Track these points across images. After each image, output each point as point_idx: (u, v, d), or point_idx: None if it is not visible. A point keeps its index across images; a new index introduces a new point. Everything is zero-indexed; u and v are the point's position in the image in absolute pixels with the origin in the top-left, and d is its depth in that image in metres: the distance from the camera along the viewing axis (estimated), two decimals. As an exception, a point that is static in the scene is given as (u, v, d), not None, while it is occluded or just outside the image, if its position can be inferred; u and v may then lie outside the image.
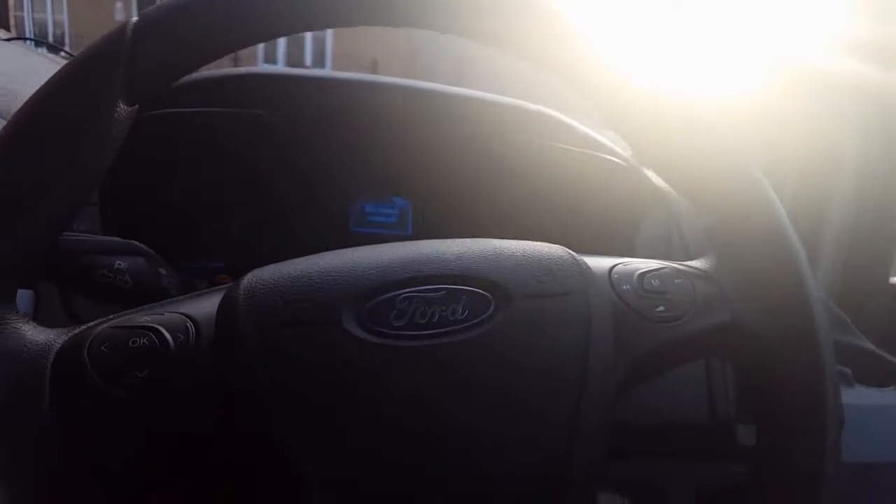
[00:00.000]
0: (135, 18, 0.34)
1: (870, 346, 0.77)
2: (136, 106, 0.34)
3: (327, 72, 0.69)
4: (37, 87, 0.40)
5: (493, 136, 0.68)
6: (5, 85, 0.61)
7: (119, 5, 11.65)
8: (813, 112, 0.81)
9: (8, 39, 0.81)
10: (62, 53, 0.88)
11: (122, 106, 0.33)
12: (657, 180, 0.71)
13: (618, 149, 0.70)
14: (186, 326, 0.34)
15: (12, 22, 4.44)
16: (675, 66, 0.41)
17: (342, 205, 0.73)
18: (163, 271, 0.45)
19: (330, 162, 0.70)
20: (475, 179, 0.70)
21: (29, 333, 0.33)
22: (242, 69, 0.66)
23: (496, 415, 0.33)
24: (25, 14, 11.41)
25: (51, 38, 11.71)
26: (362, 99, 0.67)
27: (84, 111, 0.32)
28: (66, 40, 11.63)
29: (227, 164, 0.67)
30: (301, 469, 0.31)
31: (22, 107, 0.33)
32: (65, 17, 11.85)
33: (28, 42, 0.82)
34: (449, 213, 0.72)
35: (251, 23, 0.35)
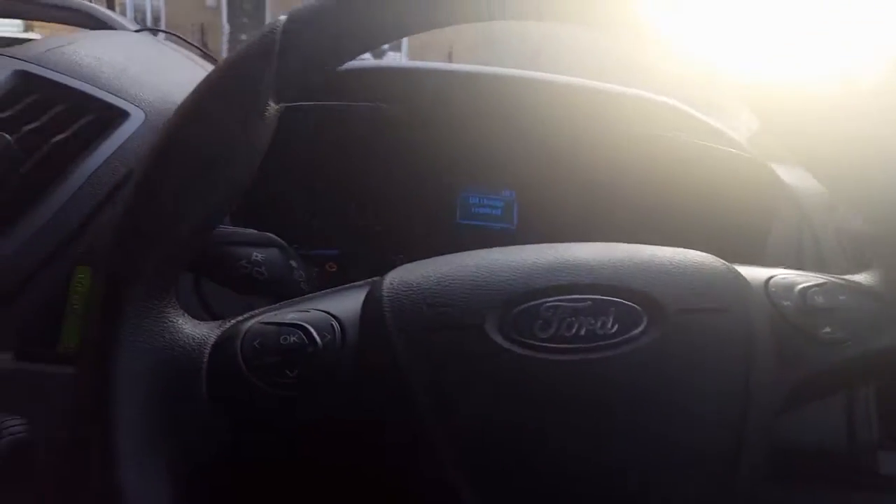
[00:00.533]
0: (282, 18, 0.34)
1: None
2: (282, 104, 0.35)
3: (443, 64, 0.69)
4: (172, 80, 0.41)
5: (611, 126, 0.66)
6: (142, 75, 0.64)
7: (212, -9, 12.12)
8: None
9: (138, 30, 0.84)
10: (179, 42, 0.91)
11: (272, 104, 0.34)
12: (787, 178, 0.67)
13: (744, 143, 0.66)
14: (332, 325, 0.34)
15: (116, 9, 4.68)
16: (817, 55, 0.38)
17: (450, 196, 0.73)
18: (294, 264, 0.46)
19: (440, 153, 0.69)
20: (588, 172, 0.68)
21: (187, 328, 0.34)
22: (363, 63, 0.67)
23: (648, 438, 0.32)
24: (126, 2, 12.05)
25: (148, 22, 12.36)
26: (477, 90, 0.67)
27: (240, 114, 0.33)
28: (162, 24, 12.24)
29: (342, 154, 0.68)
30: (448, 470, 0.31)
31: (181, 106, 0.34)
32: (161, 3, 12.43)
33: (153, 33, 0.86)
34: (557, 206, 0.71)
35: (390, 21, 0.35)
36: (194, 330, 0.34)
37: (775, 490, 0.54)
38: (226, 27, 12.12)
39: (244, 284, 0.44)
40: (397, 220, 0.72)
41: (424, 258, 0.37)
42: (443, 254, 0.37)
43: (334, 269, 0.72)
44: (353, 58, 0.36)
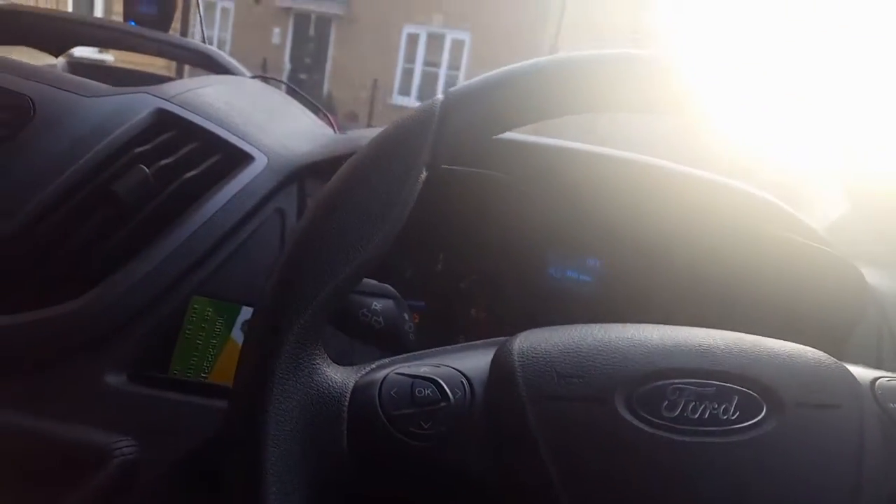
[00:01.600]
0: (440, 97, 0.38)
1: None
2: (428, 171, 0.38)
3: (565, 142, 0.73)
4: (289, 127, 0.44)
5: (707, 215, 0.68)
6: (263, 121, 0.68)
7: (276, 31, 12.67)
8: None
9: (253, 76, 0.90)
10: (285, 88, 0.97)
11: (424, 172, 0.37)
12: (868, 277, 0.67)
13: (832, 243, 0.68)
14: (462, 383, 0.36)
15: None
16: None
17: (538, 260, 0.75)
18: (406, 315, 0.48)
19: (537, 221, 0.72)
20: (670, 255, 0.70)
21: (330, 372, 0.36)
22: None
23: None
24: (196, 32, 12.65)
25: (214, 54, 12.92)
26: (586, 167, 0.70)
27: (401, 177, 0.36)
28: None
29: (443, 211, 0.71)
30: None
31: (345, 167, 0.37)
32: (229, 36, 13.03)
33: (262, 80, 0.92)
34: (643, 284, 0.73)
35: (537, 105, 0.39)
36: (337, 375, 0.36)
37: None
38: (287, 65, 12.61)
39: (363, 332, 0.47)
40: (484, 278, 0.74)
41: (506, 316, 0.40)
42: (526, 314, 0.39)
43: (417, 321, 0.74)
44: (499, 133, 0.40)
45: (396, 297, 0.49)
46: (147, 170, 0.58)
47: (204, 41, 1.08)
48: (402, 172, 0.37)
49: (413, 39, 11.92)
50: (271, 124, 0.69)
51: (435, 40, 11.76)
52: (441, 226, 0.72)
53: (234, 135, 0.63)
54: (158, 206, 0.58)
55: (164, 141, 0.61)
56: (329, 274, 0.35)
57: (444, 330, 0.74)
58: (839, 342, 0.64)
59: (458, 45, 11.61)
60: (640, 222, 0.69)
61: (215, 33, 13.15)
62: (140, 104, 0.61)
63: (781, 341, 0.38)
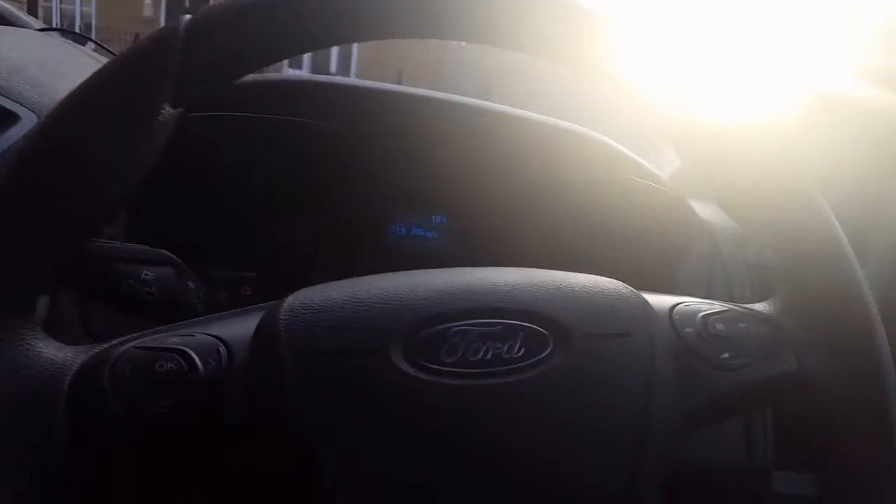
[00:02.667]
0: (187, 17, 0.32)
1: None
2: (181, 109, 0.32)
3: (384, 85, 0.67)
4: (73, 83, 0.38)
5: (533, 157, 0.66)
6: (39, 77, 0.59)
7: (147, 2, 11.82)
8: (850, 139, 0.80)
9: (42, 30, 0.79)
10: (90, 45, 0.86)
11: (168, 109, 0.31)
12: (702, 212, 0.68)
13: (663, 177, 0.68)
14: (218, 350, 0.31)
15: (40, 14, 4.49)
16: (735, 92, 0.39)
17: (380, 218, 0.71)
18: (191, 284, 0.43)
19: (372, 174, 0.68)
20: (513, 200, 0.68)
21: (46, 350, 0.30)
22: (300, 76, 0.64)
23: (550, 464, 0.31)
24: (53, 4, 11.58)
25: (77, 29, 11.91)
26: (416, 114, 0.66)
27: (126, 113, 0.30)
28: (93, 33, 11.82)
29: (267, 172, 0.65)
30: (334, 490, 0.29)
31: (61, 102, 0.31)
32: (93, 10, 12.02)
33: (61, 34, 0.81)
34: (486, 232, 0.70)
35: (306, 29, 0.33)
36: (56, 354, 0.30)
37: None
38: (162, 39, 11.80)
39: (131, 305, 0.40)
40: (323, 241, 0.69)
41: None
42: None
43: (250, 293, 0.68)
44: (260, 67, 0.33)
45: (177, 264, 0.43)
46: None
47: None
48: (133, 106, 0.30)
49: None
50: (48, 78, 0.60)
51: None
52: (268, 187, 0.66)
53: (-5, 92, 0.54)
54: None
55: None
56: (27, 233, 0.29)
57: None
58: (672, 271, 0.65)
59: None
60: (482, 173, 0.66)
61: (77, 7, 12.10)
62: None
63: (575, 274, 0.36)
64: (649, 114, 0.36)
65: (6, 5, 0.81)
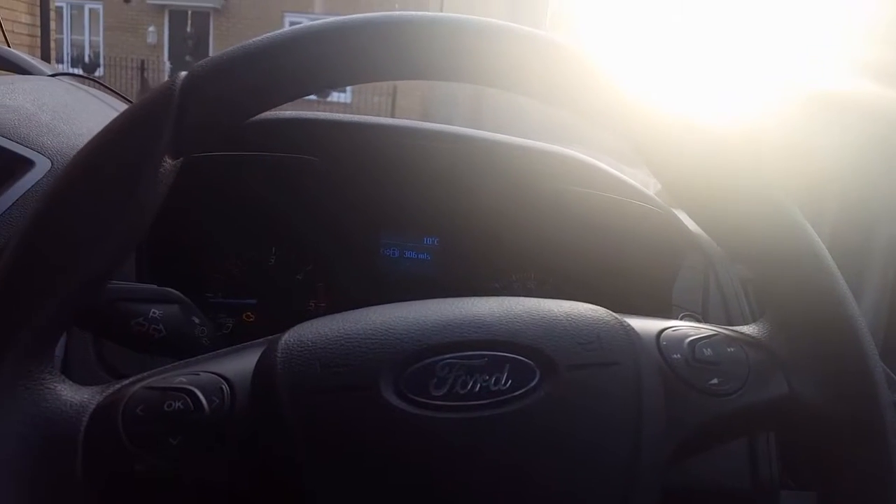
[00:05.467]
0: (183, 74, 0.34)
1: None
2: (181, 158, 0.34)
3: (374, 119, 0.70)
4: (84, 127, 0.39)
5: (521, 180, 0.68)
6: (52, 123, 0.62)
7: (151, 29, 12.00)
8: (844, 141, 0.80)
9: (53, 75, 0.82)
10: (97, 86, 0.89)
11: (168, 160, 0.33)
12: (692, 225, 0.70)
13: (650, 193, 0.69)
14: (222, 389, 0.33)
15: (52, 45, 4.60)
16: (709, 102, 0.40)
17: (374, 244, 0.73)
18: (196, 319, 0.45)
19: (366, 204, 0.70)
20: (502, 221, 0.69)
21: (64, 394, 0.32)
22: (293, 114, 0.67)
23: (540, 496, 0.32)
24: (65, 36, 11.80)
25: (86, 59, 12.10)
26: (405, 144, 0.68)
27: (131, 168, 0.32)
28: (101, 60, 12.00)
29: (265, 203, 0.67)
30: None
31: (71, 161, 0.33)
32: (101, 39, 12.22)
33: (71, 78, 0.84)
34: (477, 252, 0.72)
35: (292, 80, 0.34)
36: (73, 395, 0.32)
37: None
38: (167, 64, 11.98)
39: (141, 342, 0.42)
40: (318, 267, 0.71)
41: (345, 305, 0.37)
42: (364, 300, 0.37)
43: (252, 320, 0.70)
44: (256, 114, 0.35)
45: (182, 301, 0.45)
46: None
47: (6, 41, 0.97)
48: (136, 161, 0.32)
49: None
50: (59, 124, 0.63)
51: (320, 27, 11.52)
52: (264, 218, 0.68)
53: (10, 139, 0.57)
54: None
55: None
56: (44, 282, 0.31)
57: (283, 326, 0.70)
58: (666, 288, 0.66)
59: (344, 32, 11.42)
60: (469, 196, 0.68)
61: (86, 38, 12.30)
62: None
63: (560, 302, 0.37)
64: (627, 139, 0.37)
65: (20, 54, 0.84)
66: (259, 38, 0.35)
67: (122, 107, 0.83)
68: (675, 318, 0.62)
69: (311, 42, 0.34)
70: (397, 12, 0.35)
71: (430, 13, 0.35)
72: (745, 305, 0.64)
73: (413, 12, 0.36)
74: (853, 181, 0.79)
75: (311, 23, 0.35)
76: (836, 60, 0.85)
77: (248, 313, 0.70)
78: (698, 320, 0.62)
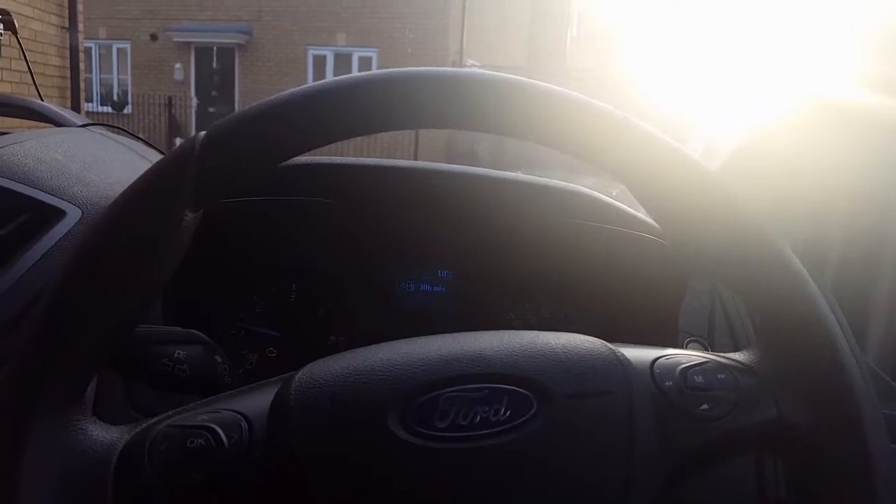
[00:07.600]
0: (202, 133, 0.37)
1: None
2: (202, 211, 0.37)
3: (385, 161, 0.74)
4: (112, 176, 0.42)
5: (531, 215, 0.70)
6: (82, 174, 0.66)
7: (178, 66, 12.34)
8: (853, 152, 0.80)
9: (84, 125, 0.87)
10: (125, 134, 0.94)
11: (189, 214, 0.36)
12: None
13: (654, 224, 0.71)
14: (240, 425, 0.35)
15: (82, 84, 4.77)
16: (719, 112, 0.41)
17: (390, 278, 0.75)
18: (218, 359, 0.47)
19: (382, 241, 0.73)
20: (514, 256, 0.72)
21: (95, 433, 0.35)
22: (310, 159, 0.71)
23: None
24: (94, 76, 12.19)
25: (115, 97, 12.47)
26: (417, 183, 0.72)
27: (155, 223, 0.35)
28: (129, 98, 12.35)
29: (287, 243, 0.71)
30: None
31: (100, 217, 0.36)
32: (129, 77, 12.60)
33: (100, 128, 0.88)
34: (489, 288, 0.74)
35: (307, 133, 0.37)
36: (104, 435, 0.35)
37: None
38: (194, 100, 12.28)
39: (167, 382, 0.45)
40: (337, 302, 0.74)
41: (364, 338, 0.39)
42: (383, 332, 0.39)
43: (274, 354, 0.73)
44: (274, 166, 0.38)
45: (205, 342, 0.47)
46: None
47: (38, 94, 1.03)
48: (159, 216, 0.35)
49: (320, 61, 11.84)
50: (89, 174, 0.67)
51: (342, 59, 11.71)
52: (286, 258, 0.72)
53: (42, 191, 0.61)
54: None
55: None
56: (76, 330, 0.34)
57: (304, 361, 0.73)
58: (672, 312, 0.67)
59: (365, 63, 11.60)
60: (479, 230, 0.71)
61: (114, 77, 12.69)
62: None
63: (557, 334, 0.39)
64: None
65: (52, 107, 0.90)
66: (275, 95, 0.38)
67: (150, 153, 0.88)
68: (682, 343, 0.63)
69: (322, 99, 0.37)
70: (409, 69, 0.38)
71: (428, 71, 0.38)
72: (752, 330, 0.65)
73: (417, 69, 0.38)
74: (863, 190, 0.79)
75: (323, 81, 0.38)
76: (842, 71, 0.86)
77: (271, 349, 0.72)
78: (705, 346, 0.64)
